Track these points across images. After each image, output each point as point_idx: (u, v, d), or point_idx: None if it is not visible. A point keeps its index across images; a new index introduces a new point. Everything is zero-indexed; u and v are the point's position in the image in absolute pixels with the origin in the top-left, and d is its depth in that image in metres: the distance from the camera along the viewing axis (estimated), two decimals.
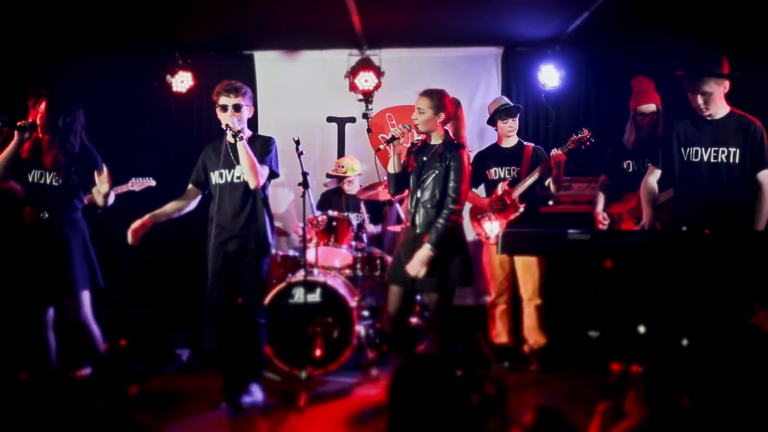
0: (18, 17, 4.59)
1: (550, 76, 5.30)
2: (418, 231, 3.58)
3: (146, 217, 3.62)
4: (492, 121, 4.58)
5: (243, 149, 3.53)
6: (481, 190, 4.65)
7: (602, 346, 4.43)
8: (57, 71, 5.20)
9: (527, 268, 4.37)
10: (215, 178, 3.71)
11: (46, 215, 3.66)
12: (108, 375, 3.80)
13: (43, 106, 3.66)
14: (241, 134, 3.52)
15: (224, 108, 3.61)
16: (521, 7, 4.68)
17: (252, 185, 3.61)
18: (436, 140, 3.67)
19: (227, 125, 3.56)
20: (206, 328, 4.82)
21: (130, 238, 3.56)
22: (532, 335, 4.40)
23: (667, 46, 4.73)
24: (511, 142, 4.54)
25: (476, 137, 5.53)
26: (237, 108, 3.60)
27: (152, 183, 4.72)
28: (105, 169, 3.78)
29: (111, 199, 3.83)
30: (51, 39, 5.06)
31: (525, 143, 4.55)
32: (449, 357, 1.83)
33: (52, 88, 3.81)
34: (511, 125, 4.49)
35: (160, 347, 4.81)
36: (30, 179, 3.68)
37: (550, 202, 4.77)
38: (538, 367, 4.32)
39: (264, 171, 3.64)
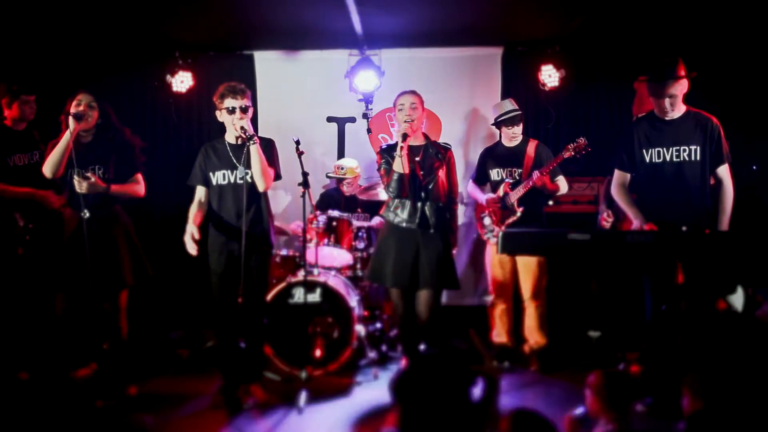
0: (17, 15, 4.59)
1: (550, 76, 5.30)
2: (432, 231, 3.77)
3: (189, 229, 3.56)
4: (496, 125, 4.59)
5: (256, 153, 3.53)
6: (486, 188, 4.66)
7: (602, 346, 4.43)
8: (57, 70, 5.21)
9: (529, 268, 4.37)
10: (217, 178, 3.70)
11: (87, 214, 3.56)
12: (114, 373, 3.80)
13: (76, 102, 3.65)
14: (255, 137, 3.52)
15: (231, 110, 3.59)
16: (521, 7, 4.67)
17: (262, 188, 3.62)
18: (417, 141, 3.85)
19: (242, 128, 3.54)
20: (206, 328, 4.84)
21: (194, 251, 3.51)
22: (533, 335, 4.40)
23: (666, 46, 4.73)
24: (514, 141, 4.54)
25: (476, 138, 5.53)
26: (244, 110, 3.59)
27: None
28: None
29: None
30: (50, 38, 5.06)
31: (529, 142, 4.53)
32: (448, 355, 1.84)
33: (51, 86, 3.79)
34: (515, 131, 4.49)
35: (160, 347, 4.81)
36: (66, 177, 3.62)
37: (550, 202, 4.76)
38: (538, 367, 4.31)
39: (272, 174, 3.66)
